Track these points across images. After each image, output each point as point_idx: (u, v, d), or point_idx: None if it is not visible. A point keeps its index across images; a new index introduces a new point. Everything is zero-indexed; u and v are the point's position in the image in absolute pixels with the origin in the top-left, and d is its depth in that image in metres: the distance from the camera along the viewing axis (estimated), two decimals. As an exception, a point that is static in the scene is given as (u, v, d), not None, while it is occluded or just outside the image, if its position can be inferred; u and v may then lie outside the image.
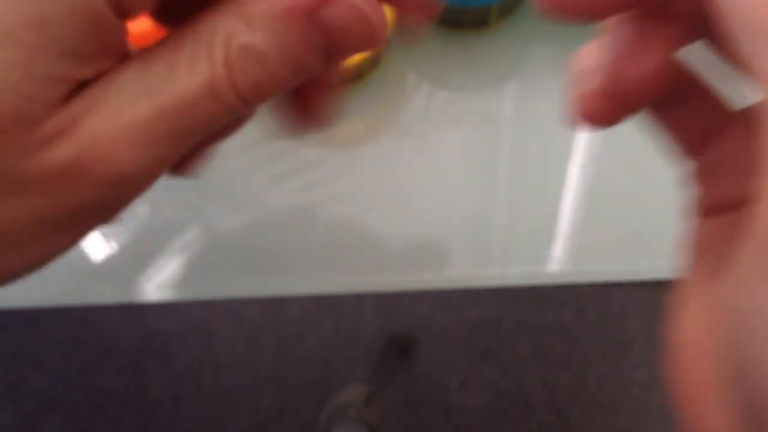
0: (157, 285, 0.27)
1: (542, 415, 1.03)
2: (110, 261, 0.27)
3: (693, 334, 0.13)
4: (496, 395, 1.04)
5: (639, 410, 1.01)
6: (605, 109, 0.15)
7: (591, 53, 0.15)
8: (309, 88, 0.18)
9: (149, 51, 0.14)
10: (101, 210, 0.14)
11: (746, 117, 0.15)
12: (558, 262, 0.26)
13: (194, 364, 1.10)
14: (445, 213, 0.26)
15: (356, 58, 0.27)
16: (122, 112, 0.14)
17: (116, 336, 1.13)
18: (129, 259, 0.27)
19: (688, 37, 0.14)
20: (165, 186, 0.29)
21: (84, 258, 0.28)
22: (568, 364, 1.05)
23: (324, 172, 0.28)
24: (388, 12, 0.27)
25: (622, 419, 1.02)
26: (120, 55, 0.14)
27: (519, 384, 1.05)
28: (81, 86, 0.14)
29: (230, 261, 0.27)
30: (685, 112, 0.17)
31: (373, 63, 0.29)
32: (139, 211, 0.28)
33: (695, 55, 0.15)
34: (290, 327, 1.10)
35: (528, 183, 0.28)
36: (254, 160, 0.29)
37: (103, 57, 0.14)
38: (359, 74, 0.29)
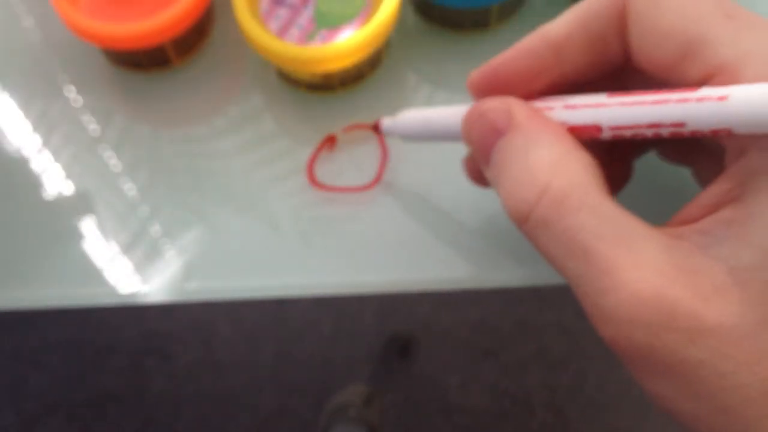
0: (157, 285, 0.27)
1: (542, 415, 1.03)
2: (110, 261, 0.27)
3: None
4: (496, 395, 1.04)
5: (639, 410, 1.01)
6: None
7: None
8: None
9: None
10: None
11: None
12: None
13: (194, 364, 1.10)
14: (446, 213, 0.26)
15: (356, 59, 0.27)
16: None
17: (116, 336, 1.13)
18: (129, 259, 0.28)
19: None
20: (165, 186, 0.29)
21: (84, 258, 0.28)
22: (568, 364, 1.05)
23: (324, 172, 0.28)
24: (387, 14, 0.27)
25: (622, 419, 1.02)
26: None
27: (519, 384, 1.05)
28: None
29: (230, 261, 0.27)
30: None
31: (373, 63, 0.29)
32: (139, 211, 0.28)
33: None
34: (290, 327, 1.10)
35: (528, 183, 0.28)
36: (254, 160, 0.29)
37: None
38: (359, 75, 0.29)
